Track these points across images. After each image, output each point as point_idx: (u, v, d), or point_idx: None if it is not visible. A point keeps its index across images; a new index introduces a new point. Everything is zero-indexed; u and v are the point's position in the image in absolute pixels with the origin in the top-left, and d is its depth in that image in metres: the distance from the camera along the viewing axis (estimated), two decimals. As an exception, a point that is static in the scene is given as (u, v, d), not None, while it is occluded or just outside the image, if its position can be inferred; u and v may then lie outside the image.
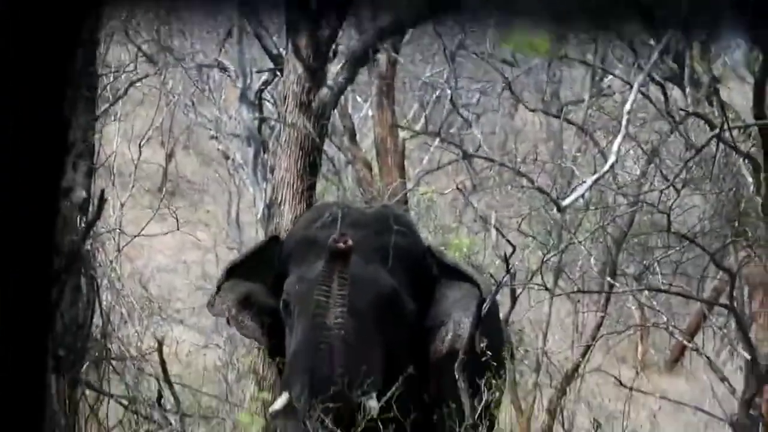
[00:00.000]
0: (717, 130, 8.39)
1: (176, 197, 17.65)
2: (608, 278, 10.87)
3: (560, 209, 7.54)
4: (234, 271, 7.80)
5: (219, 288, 7.77)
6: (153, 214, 9.31)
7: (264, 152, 9.45)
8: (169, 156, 18.75)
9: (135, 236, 8.88)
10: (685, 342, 11.04)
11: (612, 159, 7.32)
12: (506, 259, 7.27)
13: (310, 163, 8.32)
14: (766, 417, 7.68)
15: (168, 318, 11.16)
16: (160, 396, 7.47)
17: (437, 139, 12.97)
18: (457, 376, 7.00)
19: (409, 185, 10.88)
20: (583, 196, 8.02)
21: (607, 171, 7.46)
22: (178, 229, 9.11)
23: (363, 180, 11.39)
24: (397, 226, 7.54)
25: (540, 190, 7.46)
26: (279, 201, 8.32)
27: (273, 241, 7.90)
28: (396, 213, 7.97)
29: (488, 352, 7.50)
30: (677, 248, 10.66)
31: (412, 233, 7.85)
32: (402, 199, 9.37)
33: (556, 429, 11.32)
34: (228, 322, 7.81)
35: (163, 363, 7.26)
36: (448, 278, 7.66)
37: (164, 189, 13.85)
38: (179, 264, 17.80)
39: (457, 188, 8.03)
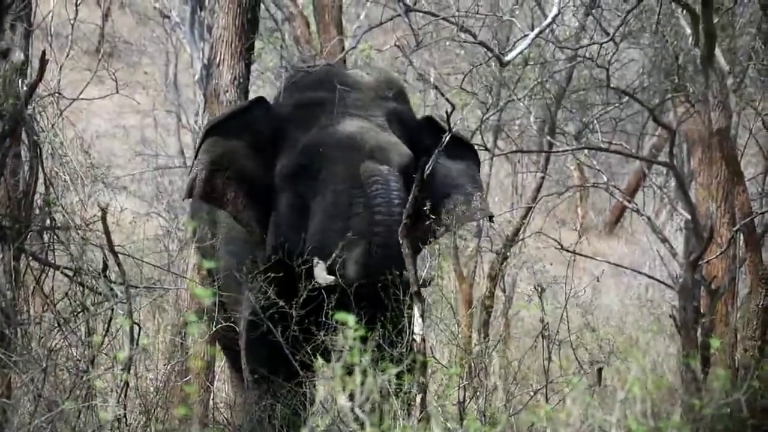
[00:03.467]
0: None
1: (114, 59, 17.44)
2: (547, 137, 10.92)
3: (503, 64, 7.53)
4: (213, 132, 7.73)
5: (198, 152, 7.71)
6: (91, 76, 9.18)
7: (201, 10, 9.34)
8: (106, 15, 18.50)
9: (74, 99, 8.77)
10: (625, 202, 11.18)
11: (555, 11, 7.30)
12: (447, 119, 7.28)
13: (249, 20, 8.25)
14: (708, 279, 7.79)
15: (110, 185, 11.10)
16: (105, 266, 7.48)
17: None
18: (400, 241, 7.05)
19: (347, 42, 10.81)
20: (522, 51, 8.01)
21: (551, 23, 7.45)
22: (117, 92, 8.98)
23: (301, 37, 11.30)
24: (395, 90, 7.62)
25: (482, 44, 7.43)
26: (217, 61, 8.25)
27: (258, 102, 7.81)
28: (391, 77, 7.99)
29: (431, 216, 7.56)
30: (616, 104, 10.71)
31: (407, 99, 7.91)
32: (341, 58, 9.31)
33: (498, 295, 11.48)
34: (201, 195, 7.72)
35: (107, 232, 7.25)
36: (444, 150, 7.63)
37: (102, 50, 13.62)
38: (118, 129, 17.70)
39: (396, 45, 7.95)
